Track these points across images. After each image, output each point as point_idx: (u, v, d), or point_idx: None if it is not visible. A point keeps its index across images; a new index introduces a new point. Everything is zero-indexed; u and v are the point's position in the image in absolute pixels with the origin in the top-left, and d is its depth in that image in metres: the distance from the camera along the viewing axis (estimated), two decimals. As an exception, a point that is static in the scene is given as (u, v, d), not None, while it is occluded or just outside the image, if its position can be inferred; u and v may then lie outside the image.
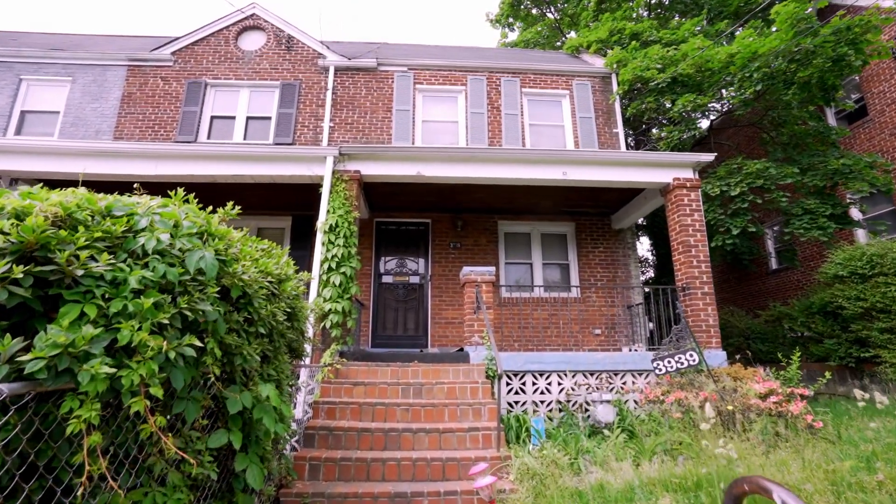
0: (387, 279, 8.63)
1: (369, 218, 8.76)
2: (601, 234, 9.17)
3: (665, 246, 14.16)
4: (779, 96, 7.73)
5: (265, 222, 8.72)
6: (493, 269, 6.14)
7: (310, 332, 4.45)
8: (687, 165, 6.84)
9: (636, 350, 8.02)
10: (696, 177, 6.85)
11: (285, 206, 8.43)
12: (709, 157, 6.72)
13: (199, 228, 2.14)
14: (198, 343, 1.84)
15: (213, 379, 2.09)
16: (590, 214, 9.18)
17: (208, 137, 9.02)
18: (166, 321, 1.71)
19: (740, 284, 15.14)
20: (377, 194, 7.98)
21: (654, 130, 12.51)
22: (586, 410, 5.61)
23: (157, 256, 1.78)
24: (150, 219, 1.87)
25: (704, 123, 11.04)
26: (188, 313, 1.80)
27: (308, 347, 4.82)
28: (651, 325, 8.55)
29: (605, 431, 5.32)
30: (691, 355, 4.30)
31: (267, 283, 2.64)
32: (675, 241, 6.78)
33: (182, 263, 1.87)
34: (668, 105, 8.65)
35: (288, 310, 3.21)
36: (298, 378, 4.52)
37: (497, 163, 6.62)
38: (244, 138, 9.08)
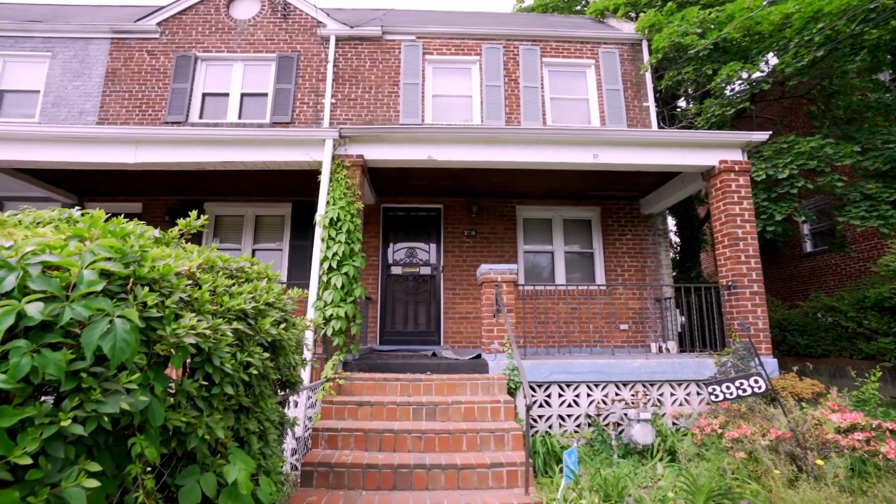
0: (395, 270, 7.99)
1: (375, 203, 8.07)
2: (629, 219, 8.39)
3: (690, 228, 13.31)
4: (842, 64, 6.75)
5: (263, 209, 8.07)
6: (514, 266, 5.44)
7: (307, 354, 3.84)
8: (735, 146, 5.99)
9: (666, 348, 7.36)
10: (746, 159, 6.01)
11: (285, 192, 7.76)
12: (762, 135, 5.86)
13: (118, 276, 1.47)
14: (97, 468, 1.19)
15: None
16: (617, 198, 8.38)
17: (200, 117, 8.30)
18: (36, 446, 1.07)
19: (769, 268, 14.25)
20: (384, 178, 7.26)
21: (680, 104, 11.47)
22: (619, 426, 4.99)
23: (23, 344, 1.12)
24: (19, 273, 1.20)
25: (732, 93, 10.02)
26: (78, 431, 1.15)
27: (305, 373, 4.23)
28: (682, 318, 7.86)
29: (639, 447, 4.73)
30: (756, 381, 3.61)
31: (232, 331, 1.98)
32: (719, 233, 6.00)
33: (77, 345, 1.21)
34: (711, 74, 7.67)
35: (269, 342, 2.57)
36: (297, 405, 3.94)
37: (520, 144, 5.83)
38: (239, 117, 8.34)
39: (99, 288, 1.31)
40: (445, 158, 5.74)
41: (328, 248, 5.17)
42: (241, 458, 1.91)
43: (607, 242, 8.26)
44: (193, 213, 2.57)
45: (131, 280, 1.54)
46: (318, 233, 5.26)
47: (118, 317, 1.29)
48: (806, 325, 9.19)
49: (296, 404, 3.95)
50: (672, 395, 5.33)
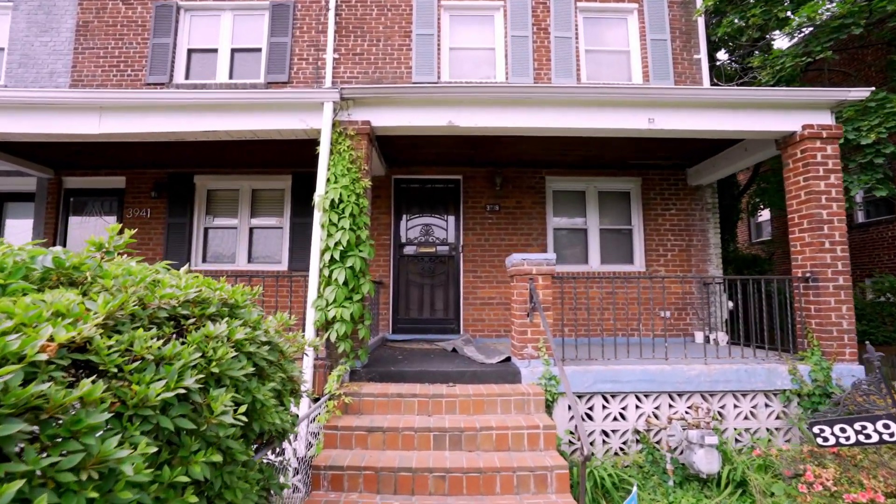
0: (409, 250, 7.15)
1: (386, 175, 7.14)
2: (674, 191, 7.36)
3: (729, 196, 12.12)
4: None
5: (260, 183, 7.20)
6: (552, 256, 4.56)
7: (306, 384, 3.05)
8: (823, 106, 4.89)
9: (715, 339, 6.51)
10: (835, 123, 4.92)
11: (284, 162, 6.87)
12: (860, 92, 4.74)
13: None
14: None
15: None
16: (661, 168, 7.32)
17: (187, 77, 7.32)
18: None
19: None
20: (395, 146, 6.31)
21: (720, 55, 10.03)
22: (675, 448, 4.23)
23: None
24: None
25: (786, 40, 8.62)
26: None
27: (303, 403, 3.46)
28: (730, 304, 6.96)
29: (703, 475, 3.97)
30: (888, 426, 2.77)
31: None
32: (796, 214, 5.01)
33: None
34: (787, 16, 6.40)
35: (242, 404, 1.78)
36: (295, 452, 3.20)
37: (560, 107, 4.81)
38: (230, 76, 7.34)
39: None
40: (469, 124, 4.76)
41: (329, 235, 4.32)
42: None
43: (648, 218, 7.29)
44: (115, 227, 1.72)
45: None
46: (317, 217, 4.40)
47: None
48: (863, 307, 8.24)
49: (293, 441, 3.22)
50: (736, 407, 4.53)
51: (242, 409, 1.66)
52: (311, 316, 4.25)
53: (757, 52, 7.44)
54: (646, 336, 6.84)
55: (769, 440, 4.37)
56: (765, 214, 14.79)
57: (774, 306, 4.98)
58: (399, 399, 3.93)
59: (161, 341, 1.46)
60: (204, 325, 1.76)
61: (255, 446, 2.24)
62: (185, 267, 2.40)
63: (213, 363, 1.60)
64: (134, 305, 1.56)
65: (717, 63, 9.68)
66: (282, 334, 2.59)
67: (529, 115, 4.81)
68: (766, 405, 4.54)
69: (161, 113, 4.62)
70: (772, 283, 5.10)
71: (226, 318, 2.01)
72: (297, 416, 2.58)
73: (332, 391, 3.90)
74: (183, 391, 1.36)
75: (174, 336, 1.67)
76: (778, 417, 4.52)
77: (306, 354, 4.08)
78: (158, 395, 1.24)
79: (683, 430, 4.12)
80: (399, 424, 3.63)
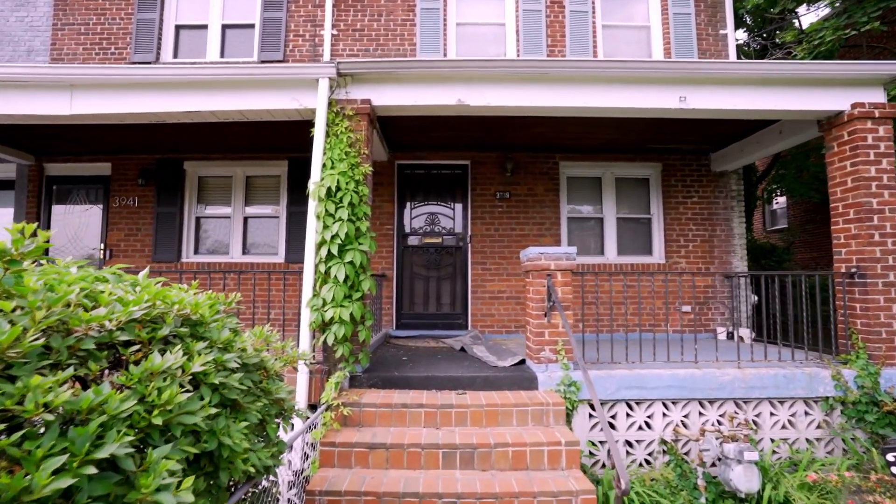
0: (413, 240, 6.72)
1: (388, 160, 6.68)
2: (696, 178, 6.88)
3: (747, 182, 11.58)
4: None
5: (254, 169, 6.76)
6: (572, 250, 4.13)
7: (300, 403, 2.64)
8: (875, 82, 4.39)
9: (739, 336, 6.09)
10: (888, 101, 4.42)
11: (279, 147, 6.42)
12: (919, 66, 4.24)
13: None
14: None
15: None
16: (683, 152, 6.83)
17: (175, 55, 6.83)
18: None
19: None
20: (398, 129, 5.85)
21: (738, 35, 9.42)
22: (706, 463, 3.84)
23: None
24: None
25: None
26: None
27: (295, 429, 3.09)
28: (754, 297, 6.53)
29: (741, 494, 3.59)
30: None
31: None
32: (840, 203, 4.54)
33: None
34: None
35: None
36: (290, 463, 2.82)
37: (580, 83, 4.32)
38: (221, 55, 6.85)
39: None
40: (480, 103, 4.28)
41: (325, 227, 3.89)
42: None
43: (668, 207, 6.82)
44: (22, 226, 1.29)
45: None
46: (312, 207, 3.96)
47: None
48: None
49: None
50: (772, 415, 4.12)
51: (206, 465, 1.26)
52: (307, 317, 3.84)
53: (782, 31, 6.87)
54: (662, 332, 6.44)
55: (810, 452, 3.97)
56: (780, 202, 14.24)
57: (816, 304, 4.54)
58: (404, 410, 3.54)
59: (72, 389, 1.04)
60: (152, 353, 1.35)
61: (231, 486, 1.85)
62: (145, 271, 1.98)
63: (157, 411, 1.19)
64: (46, 334, 1.14)
65: (738, 42, 9.10)
66: (266, 348, 2.18)
67: (547, 93, 4.33)
68: (806, 413, 4.13)
69: (139, 91, 4.16)
70: (813, 279, 4.67)
71: (187, 340, 1.60)
72: (285, 443, 2.19)
73: (329, 401, 3.51)
74: (94, 468, 0.95)
75: (106, 373, 1.26)
76: (819, 427, 4.12)
77: (297, 368, 3.69)
78: (46, 485, 0.83)
79: (719, 442, 3.72)
80: (404, 440, 3.24)
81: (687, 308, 6.55)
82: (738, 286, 6.69)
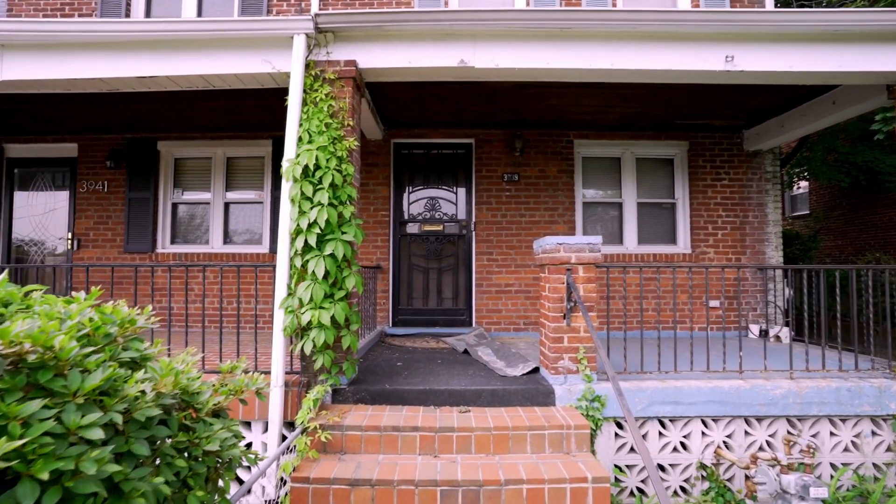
0: (412, 228, 6.07)
1: (384, 139, 6.00)
2: (727, 157, 6.16)
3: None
4: None
5: (236, 149, 6.10)
6: (595, 239, 3.47)
7: (272, 439, 2.01)
8: (963, 37, 3.65)
9: (776, 335, 5.45)
10: (976, 59, 3.69)
11: (262, 124, 5.77)
12: None
13: None
14: None
15: None
16: (713, 129, 6.10)
17: (147, 16, 6.13)
18: None
19: (858, 213, 11.78)
20: (394, 102, 5.17)
21: None
22: (757, 496, 3.22)
23: None
24: None
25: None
26: None
27: (260, 472, 2.48)
28: (789, 291, 5.86)
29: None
30: None
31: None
32: (914, 182, 3.83)
33: None
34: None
35: None
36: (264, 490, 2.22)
37: (610, 40, 3.60)
38: (199, 14, 6.14)
39: None
40: (488, 65, 3.58)
41: (302, 213, 3.25)
42: None
43: (695, 190, 6.12)
44: None
45: None
46: (286, 189, 3.31)
47: None
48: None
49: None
50: (833, 435, 3.50)
51: None
52: (280, 320, 3.22)
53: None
54: (684, 331, 5.79)
55: (883, 482, 3.35)
56: (802, 186, 13.44)
57: (887, 302, 3.87)
58: (395, 434, 2.94)
59: None
60: None
61: None
62: (3, 275, 1.36)
63: None
64: None
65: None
66: (197, 377, 1.56)
67: (566, 54, 3.62)
68: (874, 433, 3.50)
69: (81, 52, 3.50)
70: (882, 275, 3.99)
71: (12, 393, 0.97)
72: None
73: (304, 422, 2.91)
74: None
75: None
76: (889, 450, 3.49)
77: (263, 393, 3.08)
78: None
79: (776, 472, 3.09)
80: (394, 475, 2.63)
81: (715, 303, 5.89)
82: (773, 279, 6.02)
